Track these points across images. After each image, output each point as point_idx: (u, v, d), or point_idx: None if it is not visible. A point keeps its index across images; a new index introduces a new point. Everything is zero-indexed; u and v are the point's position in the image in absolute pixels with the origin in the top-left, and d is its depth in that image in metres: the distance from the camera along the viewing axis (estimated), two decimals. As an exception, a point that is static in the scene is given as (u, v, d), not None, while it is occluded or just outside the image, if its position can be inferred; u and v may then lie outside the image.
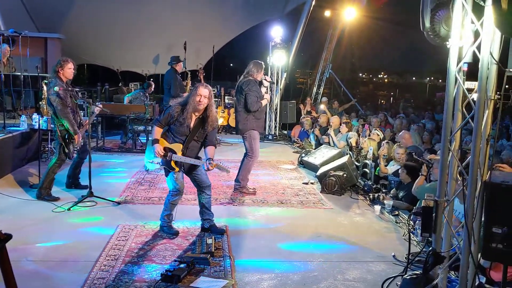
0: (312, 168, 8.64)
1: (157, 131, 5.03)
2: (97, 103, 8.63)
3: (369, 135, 9.01)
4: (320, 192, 7.21)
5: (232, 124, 13.67)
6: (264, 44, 13.27)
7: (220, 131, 13.61)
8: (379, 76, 73.44)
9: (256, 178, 7.93)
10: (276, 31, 12.74)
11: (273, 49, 12.71)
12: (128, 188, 6.92)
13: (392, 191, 6.88)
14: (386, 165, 7.60)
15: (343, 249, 4.99)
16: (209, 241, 4.74)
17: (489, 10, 3.16)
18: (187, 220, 5.57)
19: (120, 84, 15.12)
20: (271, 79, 7.55)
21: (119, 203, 6.18)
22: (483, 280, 4.11)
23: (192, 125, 4.97)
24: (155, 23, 14.80)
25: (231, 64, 38.53)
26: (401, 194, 6.62)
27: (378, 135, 9.03)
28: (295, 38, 13.61)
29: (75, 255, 4.47)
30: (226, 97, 14.09)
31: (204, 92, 4.90)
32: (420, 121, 11.55)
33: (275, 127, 13.14)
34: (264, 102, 7.04)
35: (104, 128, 10.69)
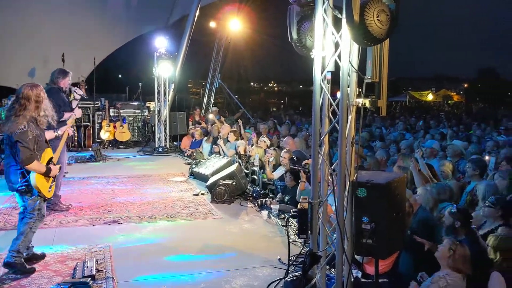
0: (203, 178, 8.62)
1: None
2: None
3: (257, 143, 9.23)
4: (211, 202, 7.21)
5: (119, 138, 13.19)
6: (151, 55, 13.01)
7: (106, 146, 13.04)
8: (269, 85, 76.19)
9: (144, 193, 7.71)
10: (161, 42, 12.57)
11: (158, 60, 12.52)
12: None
13: (278, 196, 7.11)
14: (273, 171, 7.84)
15: (231, 258, 5.01)
16: (90, 263, 4.49)
17: (345, 22, 3.40)
18: (66, 244, 5.21)
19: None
20: (83, 93, 7.10)
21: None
22: (359, 274, 4.39)
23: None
24: (30, 34, 13.79)
25: (119, 76, 37.26)
26: (287, 198, 6.86)
27: (265, 142, 9.29)
28: (181, 49, 13.54)
29: None
30: (111, 110, 13.53)
31: None
32: (305, 127, 12.15)
33: (165, 139, 12.91)
34: (68, 115, 6.31)
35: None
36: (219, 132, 10.64)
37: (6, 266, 4.47)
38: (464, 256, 3.64)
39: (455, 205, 4.66)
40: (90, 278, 4.20)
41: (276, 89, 74.78)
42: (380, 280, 3.83)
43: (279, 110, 27.08)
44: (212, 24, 16.01)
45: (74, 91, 6.73)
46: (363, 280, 4.11)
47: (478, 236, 4.48)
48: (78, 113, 6.60)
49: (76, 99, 6.76)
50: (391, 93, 53.68)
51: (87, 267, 4.45)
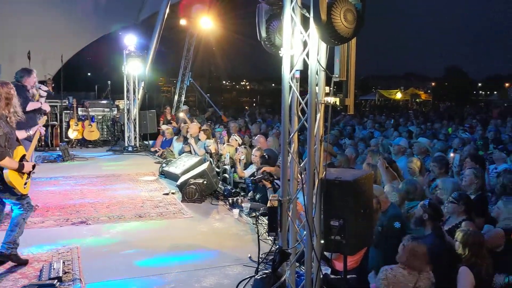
0: (173, 177, 8.55)
1: None
2: None
3: (228, 141, 9.22)
4: (181, 202, 7.16)
5: (88, 137, 12.97)
6: (120, 53, 12.80)
7: (74, 145, 12.79)
8: (242, 83, 76.17)
9: (113, 193, 7.60)
10: (130, 40, 12.38)
11: (127, 58, 12.33)
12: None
13: (249, 194, 7.13)
14: (245, 169, 7.85)
15: (201, 257, 5.00)
16: (56, 265, 4.40)
17: (312, 21, 3.43)
18: (31, 246, 5.09)
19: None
20: (48, 89, 7.15)
21: None
22: (329, 271, 4.45)
23: None
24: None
25: (88, 74, 36.57)
26: (258, 196, 6.88)
27: (236, 140, 9.28)
28: (151, 47, 13.38)
29: None
30: (79, 108, 13.27)
31: None
32: (276, 125, 12.20)
33: (135, 138, 12.74)
34: (33, 106, 6.67)
35: None
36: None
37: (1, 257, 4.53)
38: (415, 252, 3.76)
39: (427, 200, 4.78)
40: (56, 280, 4.13)
41: (248, 87, 74.80)
42: (348, 276, 3.89)
43: (251, 108, 27.08)
44: (183, 22, 15.88)
45: (39, 88, 6.61)
46: (332, 276, 4.16)
47: (444, 231, 4.61)
48: (46, 106, 6.54)
49: (42, 96, 6.65)
50: (361, 92, 54.58)
51: (54, 268, 4.36)
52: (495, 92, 50.11)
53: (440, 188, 5.52)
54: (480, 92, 66.93)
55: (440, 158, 6.40)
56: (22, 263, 4.61)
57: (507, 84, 51.71)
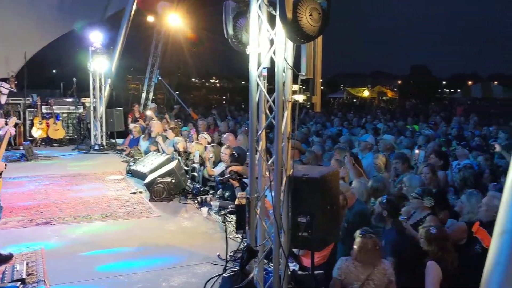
0: (141, 176, 8.43)
1: None
2: None
3: (197, 139, 9.16)
4: (149, 201, 7.07)
5: (52, 135, 12.66)
6: (86, 50, 12.51)
7: (38, 144, 12.44)
8: (211, 80, 75.79)
9: (79, 193, 7.44)
10: (96, 36, 12.12)
11: (93, 55, 12.08)
12: None
13: (218, 192, 7.11)
14: (214, 167, 7.82)
15: (169, 256, 4.95)
16: (19, 267, 4.29)
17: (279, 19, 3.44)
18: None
19: None
20: (10, 86, 7.03)
21: None
22: (297, 267, 4.49)
23: None
24: None
25: (53, 71, 35.65)
26: (227, 194, 6.87)
27: (205, 138, 9.23)
28: (117, 44, 13.13)
29: None
30: (43, 106, 12.91)
31: None
32: (246, 123, 12.19)
33: (101, 136, 12.50)
34: None
35: None
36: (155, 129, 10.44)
37: None
38: (365, 247, 3.91)
39: (385, 196, 4.88)
40: (20, 282, 4.04)
41: (218, 85, 74.50)
42: (316, 272, 3.93)
43: (221, 106, 26.95)
44: (150, 19, 15.64)
45: (1, 86, 6.43)
46: (299, 272, 4.20)
47: (405, 226, 4.72)
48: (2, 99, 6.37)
49: (3, 94, 6.48)
50: (330, 90, 55.19)
51: (17, 270, 4.26)
52: (459, 90, 51.58)
53: (406, 185, 5.65)
54: (445, 90, 68.72)
55: (400, 154, 6.58)
56: (7, 258, 4.58)
57: (470, 82, 53.26)
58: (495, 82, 44.08)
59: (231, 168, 6.47)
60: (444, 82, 70.40)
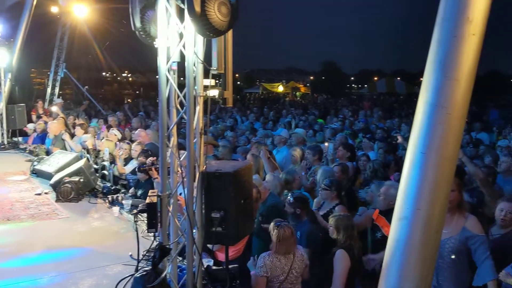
0: (47, 176, 7.93)
1: None
2: None
3: (107, 136, 8.81)
4: (55, 202, 6.67)
5: None
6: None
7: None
8: (123, 75, 73.13)
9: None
10: (-7, 27, 11.19)
11: (-10, 47, 11.13)
12: None
13: (131, 190, 6.89)
14: (125, 165, 7.57)
15: (78, 258, 4.71)
16: None
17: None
18: None
19: None
20: None
21: None
22: (211, 262, 4.48)
23: None
24: None
25: None
26: (139, 192, 6.67)
27: (115, 135, 8.91)
28: (18, 35, 12.19)
29: None
30: None
31: None
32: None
33: (2, 134, 11.58)
34: None
35: None
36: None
37: None
38: (281, 237, 4.04)
39: (290, 194, 5.02)
40: None
41: (130, 79, 72.10)
42: (230, 266, 3.95)
43: (134, 101, 26.13)
44: (54, 9, 14.72)
45: None
46: (214, 267, 4.19)
47: (317, 216, 4.91)
48: None
49: None
50: (246, 85, 55.77)
51: None
52: (366, 85, 54.53)
53: (315, 175, 5.87)
54: (353, 85, 72.29)
55: (314, 146, 6.82)
56: None
57: (375, 78, 56.47)
58: (398, 78, 47.10)
59: (151, 158, 6.30)
60: (352, 78, 74.01)
